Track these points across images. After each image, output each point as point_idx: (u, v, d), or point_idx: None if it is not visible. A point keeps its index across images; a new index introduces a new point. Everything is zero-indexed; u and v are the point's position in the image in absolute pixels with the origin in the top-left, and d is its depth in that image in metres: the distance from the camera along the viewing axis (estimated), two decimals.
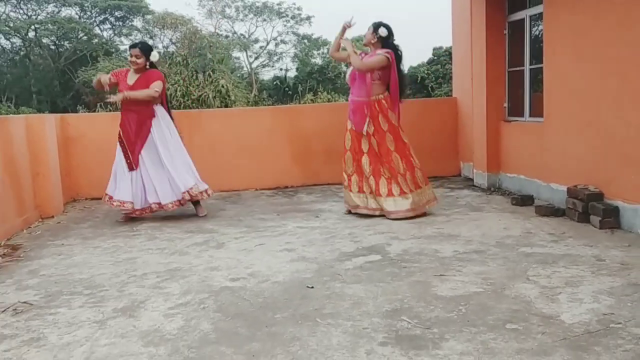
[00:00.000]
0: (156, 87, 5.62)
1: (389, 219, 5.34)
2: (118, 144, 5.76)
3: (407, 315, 2.99)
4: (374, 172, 5.49)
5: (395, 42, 5.58)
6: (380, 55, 5.42)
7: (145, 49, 5.81)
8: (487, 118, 6.81)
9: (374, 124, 5.45)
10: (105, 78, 5.79)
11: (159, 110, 5.80)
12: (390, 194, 5.42)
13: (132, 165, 5.69)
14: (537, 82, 6.25)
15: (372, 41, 5.52)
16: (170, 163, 5.71)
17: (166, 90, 6.09)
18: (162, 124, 5.76)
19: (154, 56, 5.81)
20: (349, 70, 5.75)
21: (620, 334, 2.65)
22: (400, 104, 5.58)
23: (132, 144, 5.70)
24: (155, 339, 2.82)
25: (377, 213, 5.47)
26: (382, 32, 5.45)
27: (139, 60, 5.71)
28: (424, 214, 5.48)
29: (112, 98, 5.74)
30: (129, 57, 5.84)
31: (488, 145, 6.84)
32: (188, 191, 5.73)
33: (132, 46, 5.92)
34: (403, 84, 5.65)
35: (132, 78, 5.77)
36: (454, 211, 5.65)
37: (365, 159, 5.51)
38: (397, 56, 5.49)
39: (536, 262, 3.82)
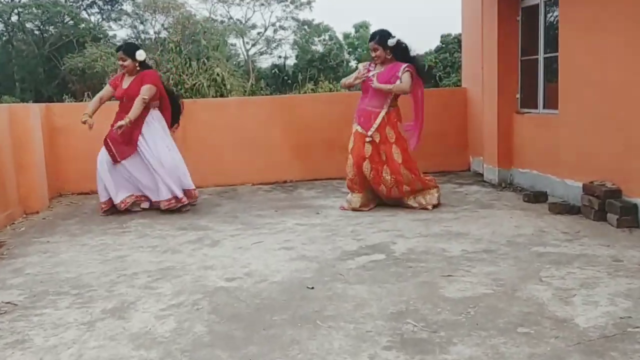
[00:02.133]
0: (144, 93, 5.77)
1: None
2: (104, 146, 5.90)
3: (412, 318, 3.00)
4: (374, 180, 5.64)
5: (405, 45, 5.71)
6: (406, 73, 5.56)
7: (129, 50, 6.00)
8: (499, 110, 6.81)
9: (380, 134, 5.61)
10: (87, 118, 5.88)
11: (154, 114, 5.97)
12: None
13: (116, 157, 5.86)
14: (552, 72, 6.24)
15: (387, 57, 5.64)
16: (159, 168, 5.86)
17: (163, 86, 6.23)
18: (152, 130, 5.90)
19: (140, 55, 5.93)
20: (361, 79, 5.78)
21: (638, 339, 2.66)
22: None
23: (119, 144, 5.87)
24: (147, 342, 2.83)
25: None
26: (391, 42, 5.58)
27: (125, 63, 5.92)
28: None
29: (118, 127, 5.70)
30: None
31: (499, 139, 6.85)
32: (172, 198, 5.89)
33: (117, 49, 6.14)
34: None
35: (126, 81, 5.96)
36: (462, 208, 5.66)
37: (366, 164, 5.64)
38: (416, 65, 5.70)
39: (549, 262, 3.83)
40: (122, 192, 5.93)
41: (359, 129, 5.66)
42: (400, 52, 5.65)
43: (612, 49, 4.96)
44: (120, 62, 5.99)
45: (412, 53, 5.81)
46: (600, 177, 5.10)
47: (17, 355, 2.74)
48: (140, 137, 5.84)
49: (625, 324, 2.83)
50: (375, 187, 5.68)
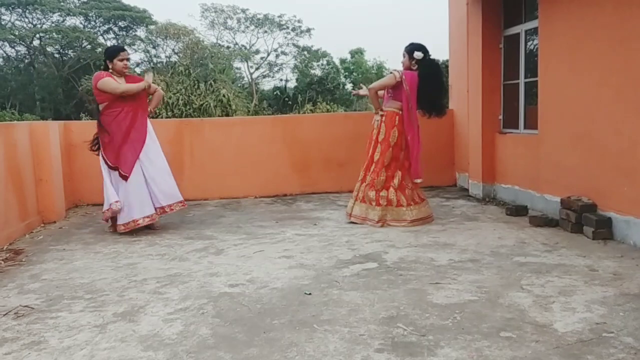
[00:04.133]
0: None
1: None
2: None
3: (403, 322, 2.99)
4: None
5: (431, 58, 5.59)
6: (388, 74, 5.65)
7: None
8: (483, 130, 6.84)
9: (377, 132, 5.63)
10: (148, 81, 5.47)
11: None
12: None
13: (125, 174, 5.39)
14: (532, 95, 6.29)
15: (412, 67, 5.57)
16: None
17: None
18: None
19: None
20: None
21: (613, 343, 2.65)
22: (413, 120, 5.60)
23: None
24: (155, 344, 2.81)
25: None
26: (418, 55, 5.51)
27: (129, 63, 5.57)
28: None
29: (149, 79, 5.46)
30: (120, 62, 5.39)
31: (483, 157, 6.87)
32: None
33: (124, 49, 5.56)
34: (428, 99, 5.59)
35: (122, 82, 5.42)
36: (449, 220, 5.66)
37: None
38: (427, 73, 5.50)
39: (530, 271, 3.82)
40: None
41: None
42: (427, 67, 5.51)
43: (587, 74, 5.00)
44: (126, 62, 5.46)
45: (439, 75, 5.65)
46: (577, 192, 5.12)
47: (33, 356, 2.72)
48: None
49: (601, 329, 2.82)
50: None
